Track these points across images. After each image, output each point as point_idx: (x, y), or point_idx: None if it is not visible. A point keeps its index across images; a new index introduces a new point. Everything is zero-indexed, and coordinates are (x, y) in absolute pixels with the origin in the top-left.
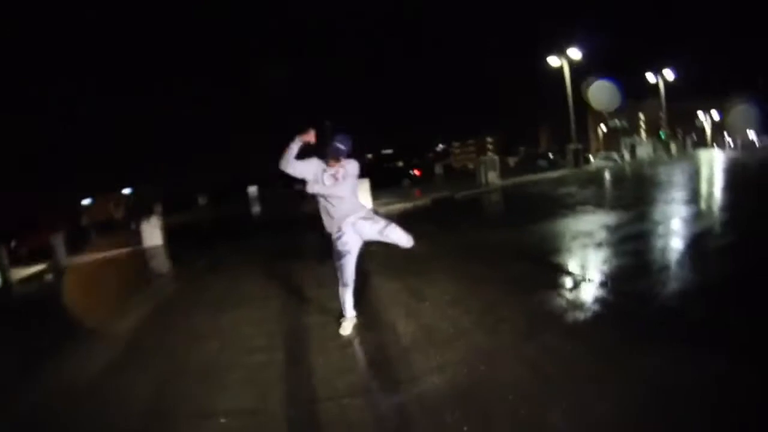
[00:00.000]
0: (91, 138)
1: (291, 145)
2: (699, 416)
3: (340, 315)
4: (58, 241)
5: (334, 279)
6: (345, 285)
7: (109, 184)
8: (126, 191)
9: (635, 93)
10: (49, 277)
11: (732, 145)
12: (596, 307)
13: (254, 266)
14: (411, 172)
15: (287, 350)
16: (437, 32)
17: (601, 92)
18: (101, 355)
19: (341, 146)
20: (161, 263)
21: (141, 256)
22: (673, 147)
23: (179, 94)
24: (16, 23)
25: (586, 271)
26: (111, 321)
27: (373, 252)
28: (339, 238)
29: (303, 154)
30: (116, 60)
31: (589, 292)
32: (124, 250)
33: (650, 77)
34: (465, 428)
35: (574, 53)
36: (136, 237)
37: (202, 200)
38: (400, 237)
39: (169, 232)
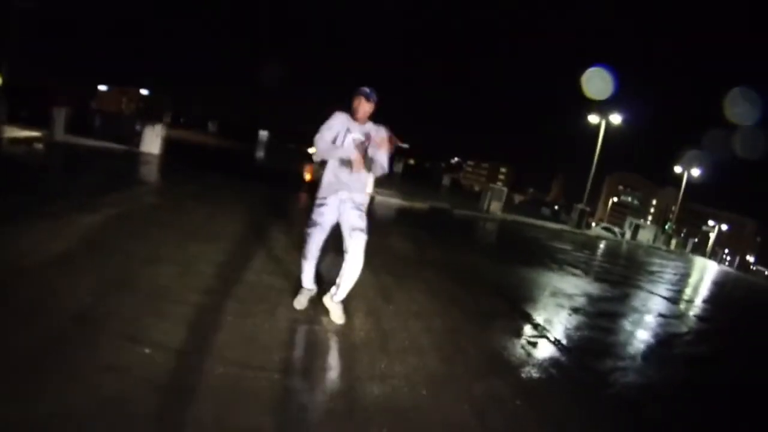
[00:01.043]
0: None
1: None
2: None
3: (298, 284)
4: (60, 116)
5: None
6: (304, 258)
7: (130, 78)
8: (144, 91)
9: (657, 178)
10: (40, 146)
11: (728, 261)
12: (554, 371)
13: (239, 206)
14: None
15: (238, 302)
16: (494, 50)
17: (595, 79)
18: (51, 244)
19: (366, 88)
20: (149, 172)
21: (134, 158)
22: (673, 242)
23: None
24: None
25: (555, 332)
26: (76, 212)
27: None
28: (319, 206)
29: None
30: None
31: (551, 353)
32: (119, 146)
33: (677, 168)
34: None
35: (615, 117)
36: (137, 139)
37: (212, 126)
38: (355, 254)
39: (169, 144)
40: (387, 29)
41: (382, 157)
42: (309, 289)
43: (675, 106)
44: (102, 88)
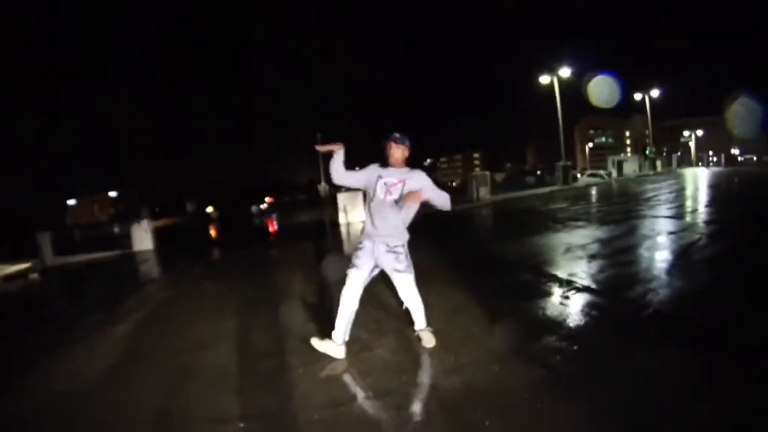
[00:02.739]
0: (78, 138)
1: (332, 161)
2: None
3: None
4: (45, 240)
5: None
6: (344, 298)
7: (95, 186)
8: (112, 194)
9: (622, 111)
10: (35, 276)
11: (716, 162)
12: (595, 313)
13: (251, 273)
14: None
15: (297, 360)
16: (428, 39)
17: (601, 88)
18: (95, 363)
19: (397, 134)
20: (152, 268)
21: (131, 259)
22: (658, 164)
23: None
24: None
25: (583, 280)
26: (104, 325)
27: None
28: (357, 249)
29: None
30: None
31: (586, 300)
32: (112, 253)
33: (636, 95)
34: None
35: (564, 71)
36: (124, 240)
37: (190, 206)
38: (406, 293)
39: (158, 237)
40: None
41: (409, 289)
42: (335, 344)
43: (617, 42)
44: (71, 202)
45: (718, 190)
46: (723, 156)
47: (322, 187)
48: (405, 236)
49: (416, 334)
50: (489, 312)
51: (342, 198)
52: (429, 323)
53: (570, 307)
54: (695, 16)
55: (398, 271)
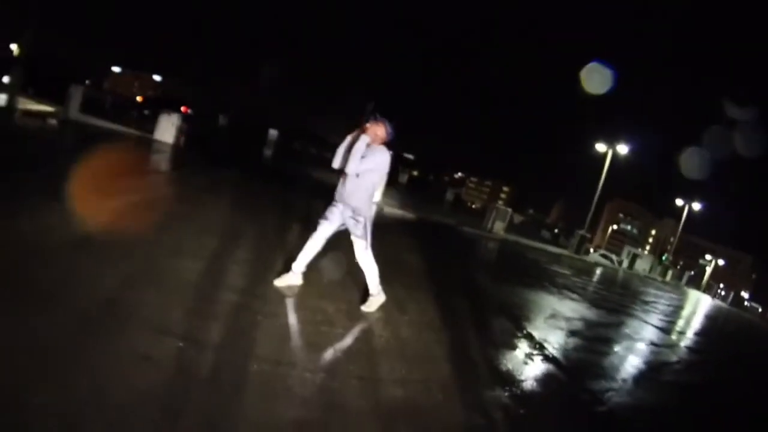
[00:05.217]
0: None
1: (355, 152)
2: None
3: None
4: (77, 94)
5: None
6: (312, 239)
7: (143, 63)
8: (156, 77)
9: (657, 209)
10: (53, 122)
11: (722, 296)
12: (553, 385)
13: (250, 201)
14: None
15: (263, 301)
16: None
17: (594, 74)
18: (72, 227)
19: (378, 117)
20: (163, 160)
21: (148, 145)
22: (669, 273)
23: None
24: None
25: (554, 351)
26: (94, 195)
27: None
28: (332, 205)
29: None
30: None
31: (550, 370)
32: (134, 131)
33: (678, 201)
34: None
35: (622, 148)
36: (149, 125)
37: (222, 120)
38: (359, 258)
39: (182, 134)
40: (394, 37)
41: (363, 257)
42: (296, 274)
43: (680, 139)
44: (116, 69)
45: (713, 324)
46: (732, 294)
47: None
48: (367, 207)
49: (364, 308)
50: (457, 342)
51: None
52: (396, 325)
53: (532, 370)
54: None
55: (357, 236)
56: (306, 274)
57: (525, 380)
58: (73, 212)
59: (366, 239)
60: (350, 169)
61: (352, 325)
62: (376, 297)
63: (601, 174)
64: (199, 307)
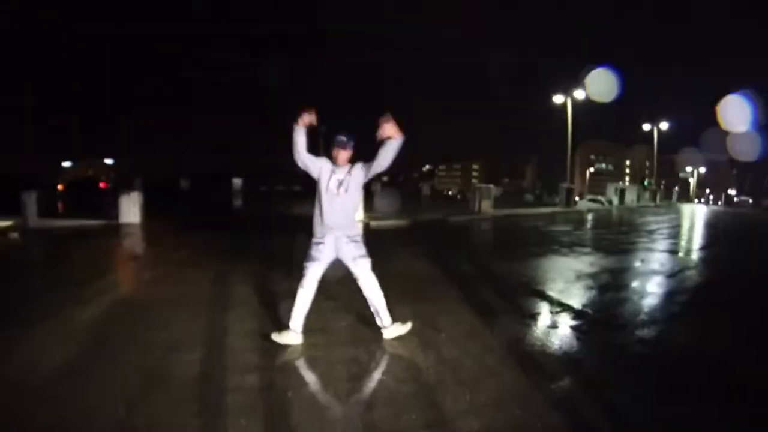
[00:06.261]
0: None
1: (294, 132)
2: None
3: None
4: (30, 199)
5: None
6: (301, 287)
7: (91, 150)
8: (108, 161)
9: (624, 139)
10: (15, 235)
11: (711, 200)
12: (617, 352)
13: (238, 263)
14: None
15: (285, 375)
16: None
17: (600, 81)
18: (54, 351)
19: (341, 138)
20: (136, 244)
21: (115, 231)
22: (657, 197)
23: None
24: None
25: (600, 314)
26: (72, 306)
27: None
28: (317, 244)
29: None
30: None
31: (606, 337)
32: (98, 222)
33: (646, 126)
34: None
35: (579, 93)
36: (113, 210)
37: (183, 183)
38: (367, 280)
39: (147, 211)
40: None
41: (365, 271)
42: (296, 333)
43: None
44: (66, 164)
45: (720, 230)
46: (723, 196)
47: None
48: (359, 226)
49: (386, 336)
50: (503, 341)
51: None
52: (435, 346)
53: (586, 343)
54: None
55: (361, 256)
56: (309, 320)
57: (584, 358)
58: (53, 330)
59: (368, 256)
60: (353, 202)
61: (392, 366)
62: (395, 325)
63: (563, 124)
64: (218, 404)
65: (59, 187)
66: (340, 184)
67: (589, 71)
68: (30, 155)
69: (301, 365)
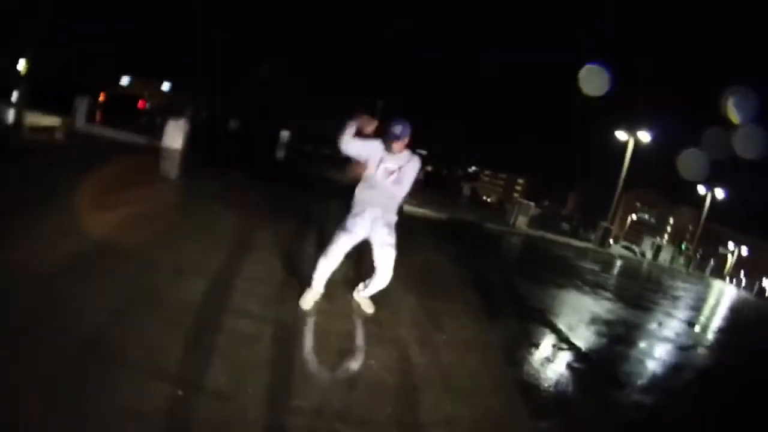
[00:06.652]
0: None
1: (346, 127)
2: None
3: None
4: (82, 105)
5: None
6: (326, 257)
7: (151, 72)
8: (165, 86)
9: (671, 194)
10: (60, 135)
11: (744, 286)
12: (612, 407)
13: (262, 209)
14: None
15: (278, 327)
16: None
17: (591, 76)
18: (63, 246)
19: (395, 130)
20: (170, 168)
21: (155, 152)
22: (691, 264)
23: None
24: None
25: (607, 365)
26: (92, 209)
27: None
28: (355, 215)
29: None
30: None
31: (608, 389)
32: (140, 139)
33: (701, 188)
34: None
35: (644, 135)
36: (158, 132)
37: (233, 123)
38: (385, 267)
39: (191, 139)
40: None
41: (386, 261)
42: (318, 291)
43: (695, 123)
44: (124, 81)
45: (743, 317)
46: (757, 285)
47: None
48: (396, 215)
49: (355, 296)
50: (501, 362)
51: None
52: (436, 347)
53: (582, 389)
54: None
55: (389, 245)
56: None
57: (574, 404)
58: (72, 228)
59: (395, 250)
60: (401, 193)
61: (385, 352)
62: (368, 300)
63: (618, 162)
64: (200, 338)
65: (100, 97)
66: (390, 173)
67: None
68: (93, 66)
69: (296, 327)
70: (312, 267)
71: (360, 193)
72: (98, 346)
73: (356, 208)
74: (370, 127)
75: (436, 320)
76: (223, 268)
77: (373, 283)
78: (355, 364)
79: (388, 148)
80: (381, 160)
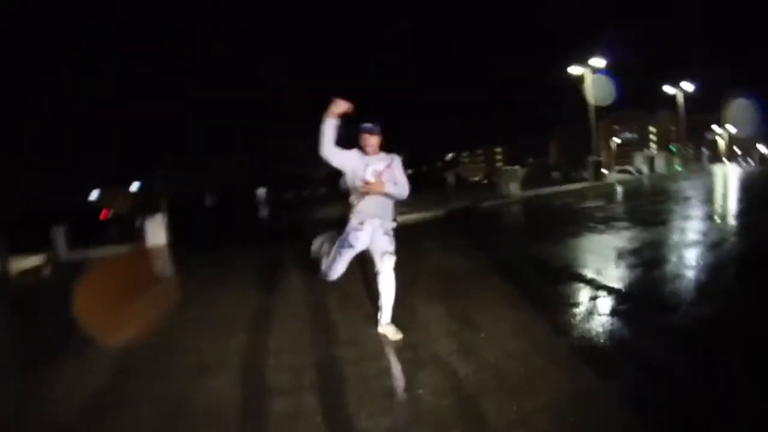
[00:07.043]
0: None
1: (324, 124)
2: None
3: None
4: (59, 234)
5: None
6: (331, 272)
7: (117, 178)
8: (133, 187)
9: (646, 105)
10: (47, 272)
11: (747, 161)
12: (674, 336)
13: (263, 278)
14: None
15: (320, 398)
16: (446, 32)
17: (597, 85)
18: (87, 381)
19: (365, 126)
20: (161, 267)
21: (143, 256)
22: (687, 161)
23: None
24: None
25: (649, 293)
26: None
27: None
28: (355, 230)
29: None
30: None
31: (659, 318)
32: (125, 248)
33: (668, 89)
34: None
35: (597, 62)
36: (141, 234)
37: (209, 200)
38: (387, 273)
39: (174, 232)
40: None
41: (387, 267)
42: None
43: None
44: (93, 195)
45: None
46: (757, 155)
47: (343, 180)
48: (393, 220)
49: (380, 331)
50: (548, 336)
51: None
52: (476, 349)
53: (639, 329)
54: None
55: (389, 253)
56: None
57: (643, 347)
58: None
59: (394, 255)
60: (405, 192)
61: (429, 376)
62: (391, 327)
63: (583, 96)
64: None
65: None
66: (380, 174)
67: (608, 35)
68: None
69: (331, 384)
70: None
71: (357, 203)
72: None
73: (355, 220)
74: (344, 108)
75: (467, 321)
76: (240, 356)
77: (384, 299)
78: (403, 399)
79: (365, 150)
80: (366, 165)
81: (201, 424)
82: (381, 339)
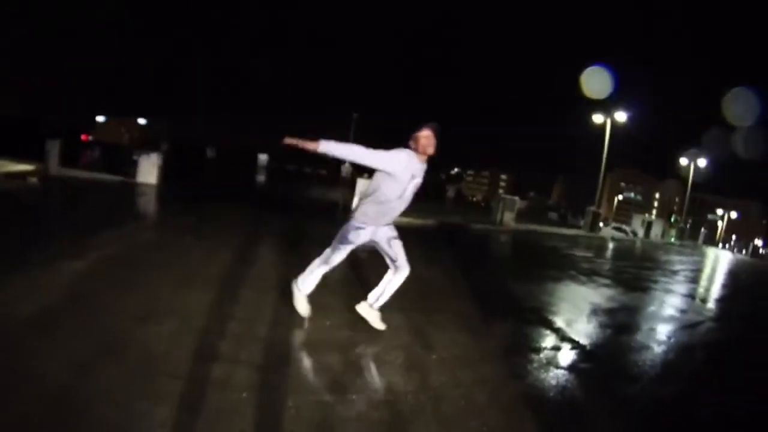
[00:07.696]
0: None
1: (324, 154)
2: None
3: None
4: (54, 148)
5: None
6: (326, 264)
7: (127, 109)
8: (141, 121)
9: (659, 169)
10: (34, 180)
11: (737, 248)
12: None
13: (241, 239)
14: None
15: (253, 370)
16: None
17: (594, 78)
18: (27, 299)
19: (430, 128)
20: (144, 205)
21: (129, 190)
22: (683, 235)
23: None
24: None
25: (612, 361)
26: (62, 258)
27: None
28: (358, 228)
29: None
30: None
31: (617, 388)
32: (115, 178)
33: (683, 160)
34: None
35: (621, 115)
36: (133, 169)
37: (210, 152)
38: (401, 259)
39: (166, 173)
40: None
41: (400, 251)
42: (305, 295)
43: (673, 100)
44: (100, 119)
45: (742, 280)
46: (751, 246)
47: (346, 167)
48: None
49: (362, 311)
50: (498, 375)
51: (362, 184)
52: (425, 370)
53: (592, 391)
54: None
55: (395, 237)
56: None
57: (587, 410)
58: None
59: (400, 238)
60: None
61: (369, 384)
62: (377, 314)
63: (598, 146)
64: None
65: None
66: (416, 186)
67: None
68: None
69: (269, 365)
70: None
71: (369, 207)
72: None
73: (358, 221)
74: (298, 143)
75: (423, 338)
76: (189, 310)
77: (390, 286)
78: (334, 401)
79: (424, 152)
80: (412, 177)
81: (131, 366)
82: (333, 331)
